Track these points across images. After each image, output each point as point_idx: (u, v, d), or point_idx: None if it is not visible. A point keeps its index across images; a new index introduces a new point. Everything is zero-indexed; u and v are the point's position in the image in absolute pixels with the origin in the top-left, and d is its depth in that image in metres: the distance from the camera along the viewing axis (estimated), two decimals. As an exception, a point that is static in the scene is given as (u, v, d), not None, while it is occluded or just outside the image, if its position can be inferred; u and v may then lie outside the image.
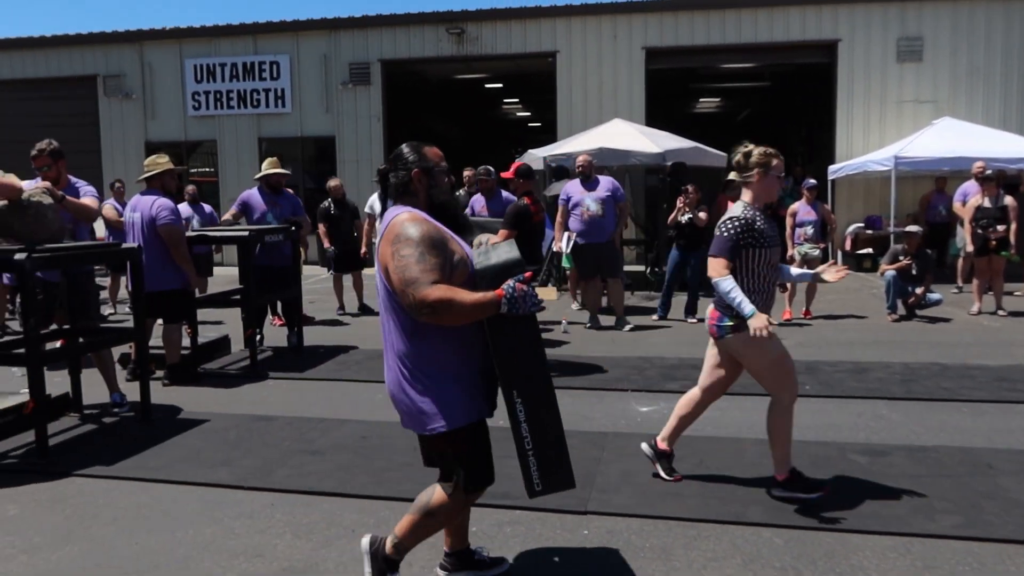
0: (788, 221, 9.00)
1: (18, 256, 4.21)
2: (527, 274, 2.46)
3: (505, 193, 8.27)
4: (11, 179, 4.59)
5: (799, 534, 3.34)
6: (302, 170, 16.61)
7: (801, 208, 8.97)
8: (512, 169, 7.03)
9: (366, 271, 10.09)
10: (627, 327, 8.30)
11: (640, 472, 4.03)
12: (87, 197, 5.36)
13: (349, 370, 6.59)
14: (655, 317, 8.93)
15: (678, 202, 8.85)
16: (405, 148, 2.72)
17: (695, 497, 3.72)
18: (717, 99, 23.28)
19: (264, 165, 8.02)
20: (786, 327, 8.45)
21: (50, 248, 4.52)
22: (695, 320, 8.77)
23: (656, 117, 15.58)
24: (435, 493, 2.74)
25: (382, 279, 2.58)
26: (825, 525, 3.38)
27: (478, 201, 8.27)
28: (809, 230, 8.87)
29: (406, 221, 2.53)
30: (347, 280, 9.81)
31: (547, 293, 10.74)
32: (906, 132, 14.19)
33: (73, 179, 5.54)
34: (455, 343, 2.57)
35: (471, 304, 2.41)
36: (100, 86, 17.45)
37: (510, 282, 2.44)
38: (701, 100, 23.41)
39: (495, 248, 2.62)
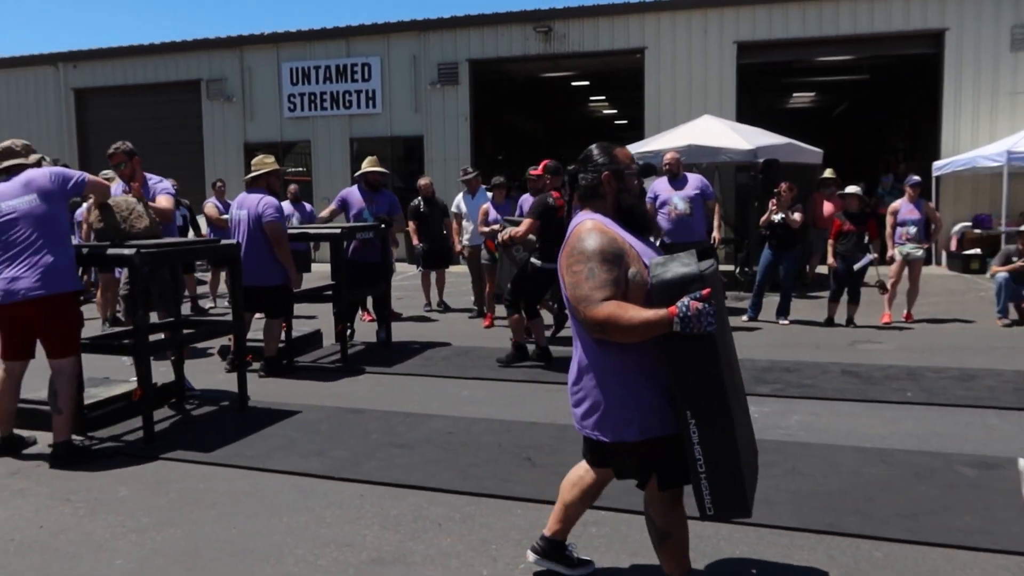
0: (889, 220, 8.60)
1: (128, 252, 4.45)
2: (705, 291, 2.28)
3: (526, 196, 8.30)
4: (98, 179, 4.82)
5: (901, 548, 3.18)
6: (391, 169, 16.95)
7: (903, 206, 8.55)
8: (541, 166, 6.98)
9: (451, 268, 10.23)
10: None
11: (730, 477, 3.93)
12: (161, 195, 5.56)
13: (436, 366, 6.68)
14: (745, 318, 8.69)
15: (771, 203, 8.57)
16: (595, 149, 2.64)
17: (787, 504, 3.60)
18: (812, 93, 22.50)
19: (364, 163, 8.23)
20: (885, 331, 8.08)
21: (157, 244, 4.75)
22: (786, 322, 8.49)
23: (747, 113, 15.18)
24: (655, 519, 2.66)
25: (564, 284, 2.54)
26: (930, 540, 3.21)
27: (527, 200, 8.29)
28: (912, 229, 8.44)
29: (584, 232, 2.46)
30: (434, 277, 9.96)
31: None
32: (1020, 126, 13.35)
33: (148, 176, 5.77)
34: (642, 352, 2.45)
35: (640, 323, 2.29)
36: (203, 90, 18.29)
37: (685, 299, 2.27)
38: (795, 95, 22.67)
39: (672, 260, 2.43)
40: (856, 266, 8.05)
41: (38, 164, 4.55)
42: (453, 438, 4.67)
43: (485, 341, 7.82)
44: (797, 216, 8.38)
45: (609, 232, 2.46)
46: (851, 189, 8.50)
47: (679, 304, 2.27)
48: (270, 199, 6.24)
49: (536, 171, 7.09)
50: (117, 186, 5.74)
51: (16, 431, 4.59)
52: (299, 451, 4.47)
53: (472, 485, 3.91)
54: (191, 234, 9.75)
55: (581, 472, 2.92)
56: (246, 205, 6.26)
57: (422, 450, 4.46)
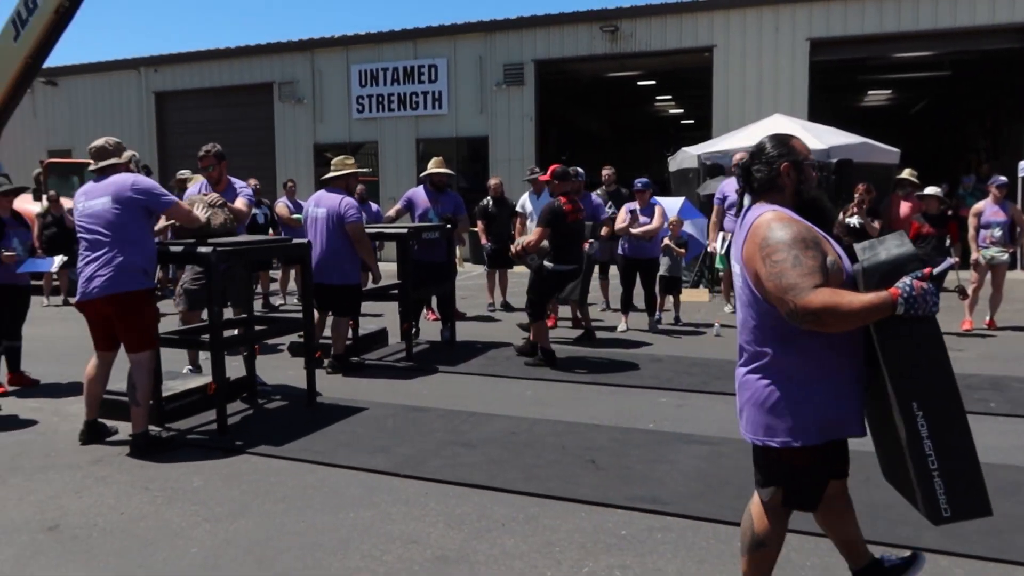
0: (971, 222, 8.24)
1: (205, 250, 4.60)
2: (926, 270, 2.19)
3: (593, 195, 8.30)
4: (183, 207, 4.95)
5: (983, 566, 3.04)
6: (457, 170, 17.09)
7: (988, 208, 8.18)
8: (549, 172, 7.02)
9: (515, 269, 10.24)
10: None
11: (800, 486, 3.82)
12: (241, 199, 5.70)
13: (499, 366, 6.70)
14: None
15: (851, 207, 8.25)
16: (770, 141, 2.54)
17: (861, 516, 3.45)
18: (888, 91, 21.75)
19: (430, 164, 8.32)
20: (966, 338, 7.75)
21: (234, 242, 4.89)
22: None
23: (820, 111, 14.78)
24: (755, 522, 2.57)
25: (746, 281, 2.42)
26: (1015, 558, 3.06)
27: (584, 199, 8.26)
28: (996, 232, 8.07)
29: (772, 222, 2.33)
30: (498, 276, 10.00)
31: (698, 295, 10.45)
32: (1116, 123, 12.65)
33: (233, 179, 5.96)
34: (830, 349, 2.34)
35: (861, 307, 2.15)
36: (275, 92, 18.78)
37: (906, 279, 2.16)
38: (870, 92, 21.96)
39: (882, 242, 2.32)
40: (936, 270, 7.71)
41: (128, 163, 4.73)
42: (516, 438, 4.67)
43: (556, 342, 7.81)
44: (877, 224, 8.10)
45: (799, 220, 2.36)
46: (931, 190, 8.16)
47: (900, 285, 2.16)
48: (351, 200, 6.40)
49: (544, 176, 7.16)
50: (195, 186, 5.93)
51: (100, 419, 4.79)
52: (365, 447, 4.54)
53: (536, 486, 3.90)
54: (271, 232, 9.99)
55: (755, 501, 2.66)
56: (324, 203, 6.39)
57: (486, 449, 4.47)
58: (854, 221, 8.13)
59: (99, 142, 4.69)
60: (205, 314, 5.75)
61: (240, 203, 5.62)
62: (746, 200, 2.58)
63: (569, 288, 7.35)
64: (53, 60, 8.93)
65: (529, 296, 6.77)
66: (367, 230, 7.60)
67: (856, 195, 8.28)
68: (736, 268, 2.50)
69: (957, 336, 7.79)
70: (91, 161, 4.66)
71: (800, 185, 2.47)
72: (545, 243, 6.49)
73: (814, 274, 2.21)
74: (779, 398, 2.37)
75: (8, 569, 3.14)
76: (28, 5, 6.95)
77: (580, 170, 8.18)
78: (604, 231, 8.11)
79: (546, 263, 6.61)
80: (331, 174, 6.56)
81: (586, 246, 7.60)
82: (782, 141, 2.52)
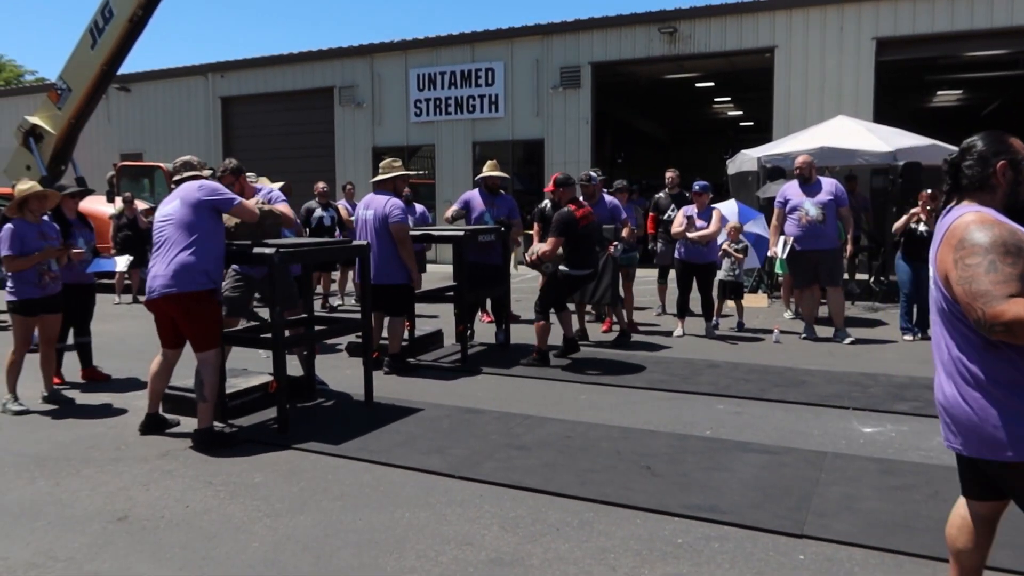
0: None
1: (268, 251, 4.71)
2: None
3: (608, 197, 8.20)
4: (248, 206, 5.08)
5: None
6: (512, 172, 17.15)
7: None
8: (551, 181, 7.11)
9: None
10: (847, 340, 7.72)
11: (864, 498, 3.72)
12: (279, 203, 5.75)
13: (554, 370, 6.69)
14: (908, 337, 7.99)
15: (920, 212, 7.94)
16: (984, 138, 2.38)
17: (929, 532, 3.36)
18: (959, 91, 21.03)
19: (485, 168, 8.37)
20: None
21: (295, 244, 5.00)
22: (921, 336, 7.95)
23: (886, 113, 14.36)
24: (976, 535, 2.46)
25: (939, 285, 2.31)
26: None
27: (613, 204, 8.16)
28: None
29: (972, 224, 2.21)
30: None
31: (758, 300, 10.26)
32: None
33: (260, 186, 6.08)
34: None
35: None
36: (336, 96, 19.13)
37: None
38: (939, 93, 21.25)
39: None
40: None
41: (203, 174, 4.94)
42: (571, 442, 4.66)
43: (601, 346, 7.77)
44: None
45: (1006, 223, 2.22)
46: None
47: None
48: (396, 200, 6.46)
49: (548, 187, 7.24)
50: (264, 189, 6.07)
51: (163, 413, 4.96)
52: (421, 448, 4.59)
53: (590, 491, 3.88)
54: (336, 233, 10.17)
55: (962, 512, 2.54)
56: (373, 206, 6.49)
57: (540, 453, 4.47)
58: (923, 228, 7.82)
59: (186, 158, 4.98)
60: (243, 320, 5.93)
61: (282, 207, 5.71)
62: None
63: (600, 291, 7.56)
64: (126, 67, 9.31)
65: (540, 297, 6.99)
66: (412, 232, 7.68)
67: (920, 202, 7.99)
68: (931, 273, 2.36)
69: None
70: (160, 164, 4.86)
71: (1017, 186, 2.32)
72: (560, 251, 6.66)
73: (1010, 282, 2.08)
74: (997, 407, 2.20)
75: (80, 557, 3.26)
76: (104, 14, 7.24)
77: (593, 174, 8.20)
78: (626, 232, 8.04)
79: (562, 268, 6.78)
80: (379, 177, 6.67)
81: (611, 249, 7.60)
82: (998, 138, 2.36)
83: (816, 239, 7.75)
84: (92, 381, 6.42)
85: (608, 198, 8.23)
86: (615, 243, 7.72)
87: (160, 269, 4.58)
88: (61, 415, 5.45)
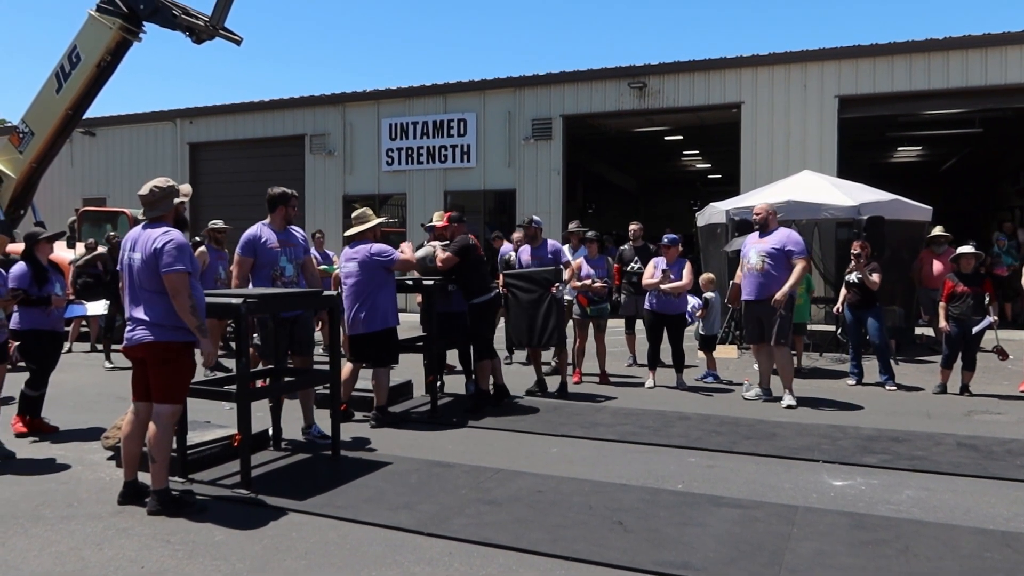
0: None
1: (235, 301, 4.62)
2: None
3: (550, 241, 8.22)
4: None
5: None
6: (483, 222, 17.23)
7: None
8: (445, 218, 7.51)
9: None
10: (786, 403, 7.16)
11: (836, 553, 3.68)
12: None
13: (525, 421, 6.62)
14: (852, 381, 8.27)
15: (851, 265, 8.36)
16: None
17: (903, 589, 3.33)
18: (919, 147, 21.67)
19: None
20: (1006, 400, 7.53)
21: (262, 294, 4.92)
22: (893, 387, 8.03)
23: (849, 168, 14.73)
24: None
25: None
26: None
27: (525, 251, 8.18)
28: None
29: None
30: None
31: (727, 351, 10.31)
32: None
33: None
34: None
35: None
36: (307, 144, 19.17)
37: None
38: (899, 148, 21.90)
39: None
40: (975, 329, 7.56)
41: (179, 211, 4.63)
42: (542, 497, 4.57)
43: (574, 397, 7.72)
44: (875, 277, 8.03)
45: None
46: (965, 249, 8.01)
47: None
48: (382, 245, 6.55)
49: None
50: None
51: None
52: (388, 503, 4.47)
53: (562, 548, 3.79)
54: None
55: None
56: (357, 255, 6.45)
57: (511, 508, 4.38)
58: (852, 277, 8.17)
59: (148, 188, 4.50)
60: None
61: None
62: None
63: (547, 334, 7.53)
64: (91, 111, 9.24)
65: (472, 338, 7.28)
66: (407, 281, 7.51)
67: (853, 251, 8.25)
68: None
69: (997, 399, 7.57)
70: (124, 210, 4.72)
71: None
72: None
73: None
74: None
75: (26, 623, 3.09)
76: (72, 59, 7.20)
77: (536, 218, 8.19)
78: (567, 275, 8.03)
79: (452, 288, 7.19)
80: (354, 229, 6.58)
81: (553, 290, 7.55)
82: None
83: (756, 289, 7.38)
84: (40, 432, 6.17)
85: (551, 242, 8.17)
86: (556, 284, 7.64)
87: (139, 315, 4.36)
88: (5, 470, 5.22)
